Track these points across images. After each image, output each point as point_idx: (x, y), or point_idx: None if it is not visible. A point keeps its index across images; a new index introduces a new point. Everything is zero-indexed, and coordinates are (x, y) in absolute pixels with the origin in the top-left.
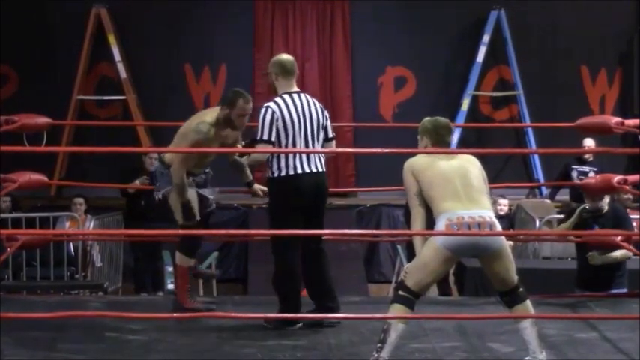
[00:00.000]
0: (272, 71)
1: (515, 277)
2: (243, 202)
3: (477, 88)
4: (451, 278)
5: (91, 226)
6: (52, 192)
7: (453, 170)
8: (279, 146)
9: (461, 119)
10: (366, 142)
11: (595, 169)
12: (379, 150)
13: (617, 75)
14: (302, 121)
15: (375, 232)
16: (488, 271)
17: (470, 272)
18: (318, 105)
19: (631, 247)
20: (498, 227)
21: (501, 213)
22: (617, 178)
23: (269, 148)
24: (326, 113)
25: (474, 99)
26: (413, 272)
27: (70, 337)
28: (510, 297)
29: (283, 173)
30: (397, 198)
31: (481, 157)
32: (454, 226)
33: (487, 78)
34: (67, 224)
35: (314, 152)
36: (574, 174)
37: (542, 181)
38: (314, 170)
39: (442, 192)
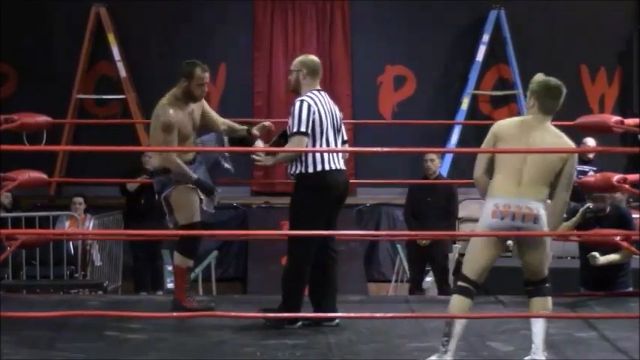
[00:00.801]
0: (300, 70)
1: (546, 271)
2: (243, 201)
3: (477, 87)
4: (450, 278)
5: (91, 225)
6: (51, 191)
7: (531, 159)
8: (314, 140)
9: (460, 118)
10: (366, 141)
11: (595, 169)
12: (379, 149)
13: (616, 74)
14: (330, 118)
15: (374, 232)
16: (522, 258)
17: None
18: (336, 106)
19: (632, 247)
20: (543, 220)
21: None
22: (616, 177)
23: (305, 140)
24: (342, 115)
25: (474, 98)
26: (467, 260)
27: (69, 336)
28: (535, 288)
29: (319, 168)
30: (397, 197)
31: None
32: (499, 214)
33: (487, 77)
34: (67, 223)
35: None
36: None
37: None
38: (341, 167)
39: (505, 170)
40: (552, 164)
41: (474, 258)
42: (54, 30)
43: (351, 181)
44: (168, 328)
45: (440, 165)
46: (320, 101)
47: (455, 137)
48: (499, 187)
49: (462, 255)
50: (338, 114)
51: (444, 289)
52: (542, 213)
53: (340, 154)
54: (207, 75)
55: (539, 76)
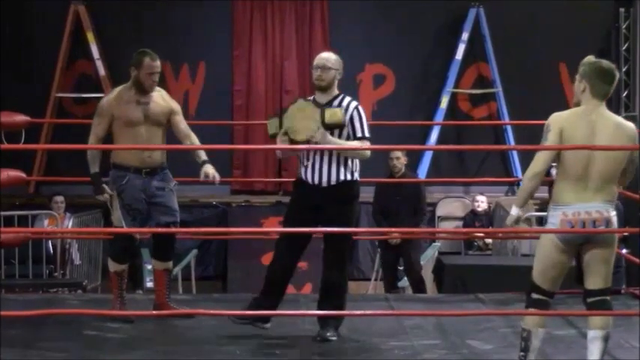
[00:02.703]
0: (338, 69)
1: (610, 279)
2: (222, 199)
3: (456, 85)
4: (430, 276)
5: (70, 224)
6: (30, 190)
7: (597, 151)
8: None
9: (440, 117)
10: None
11: None
12: (358, 146)
13: None
14: None
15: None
16: (588, 262)
17: (448, 270)
18: None
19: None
20: (615, 222)
21: (480, 210)
22: None
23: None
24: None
25: (453, 96)
26: (539, 270)
27: (48, 336)
28: (597, 299)
29: (356, 176)
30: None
31: (460, 155)
32: (569, 224)
33: (466, 75)
34: (46, 222)
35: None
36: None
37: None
38: None
39: (570, 173)
40: (619, 159)
41: (546, 267)
42: (32, 28)
43: None
44: (147, 327)
45: (405, 162)
46: None
47: (434, 135)
48: (566, 193)
49: (441, 253)
50: None
51: (418, 287)
52: (614, 215)
53: None
54: (156, 64)
55: (591, 58)
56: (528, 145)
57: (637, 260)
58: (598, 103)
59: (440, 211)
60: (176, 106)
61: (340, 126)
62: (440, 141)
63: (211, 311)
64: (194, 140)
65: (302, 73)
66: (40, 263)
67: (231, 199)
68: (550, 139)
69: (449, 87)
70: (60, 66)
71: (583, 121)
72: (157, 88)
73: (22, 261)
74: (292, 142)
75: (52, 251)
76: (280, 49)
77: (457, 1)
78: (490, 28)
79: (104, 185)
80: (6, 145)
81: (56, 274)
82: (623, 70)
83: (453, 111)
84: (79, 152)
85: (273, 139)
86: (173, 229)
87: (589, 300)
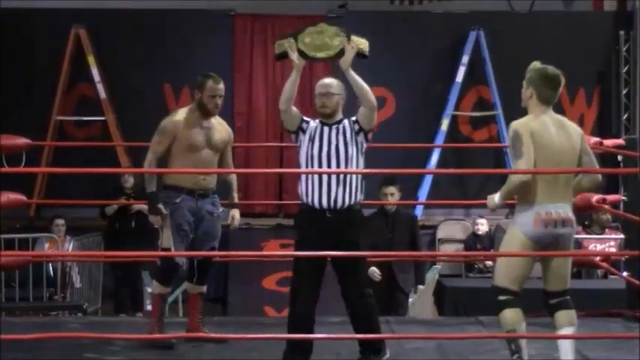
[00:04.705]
0: (340, 94)
1: (569, 281)
2: (223, 222)
3: (457, 108)
4: (430, 298)
5: (71, 247)
6: (31, 213)
7: (562, 149)
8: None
9: (440, 139)
10: None
11: None
12: (355, 170)
13: (595, 95)
14: None
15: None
16: (550, 264)
17: (449, 292)
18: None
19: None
20: (574, 222)
21: (480, 232)
22: (596, 197)
23: None
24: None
25: (454, 119)
26: (502, 272)
27: (48, 359)
28: (559, 300)
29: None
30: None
31: (460, 178)
32: (542, 223)
33: (466, 98)
34: (46, 245)
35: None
36: None
37: None
38: None
39: (542, 175)
40: (575, 158)
41: (513, 267)
42: (33, 51)
43: None
44: (147, 350)
45: (399, 199)
46: None
47: (435, 158)
48: (537, 193)
49: (442, 276)
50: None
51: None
52: (574, 216)
53: None
54: (220, 87)
55: (536, 64)
56: (529, 169)
57: (637, 282)
58: (545, 109)
59: (440, 234)
60: (232, 135)
61: (364, 56)
62: (440, 163)
63: (212, 335)
64: (233, 177)
65: (302, 97)
66: (40, 286)
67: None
68: (526, 143)
69: (449, 110)
70: (61, 89)
71: (542, 123)
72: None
73: (22, 284)
74: (308, 61)
75: (52, 274)
76: (281, 72)
77: (457, 24)
78: (490, 51)
79: (160, 205)
80: (6, 169)
81: (57, 297)
82: (624, 92)
83: (453, 134)
84: (79, 175)
85: (279, 60)
86: (170, 253)
87: (552, 301)
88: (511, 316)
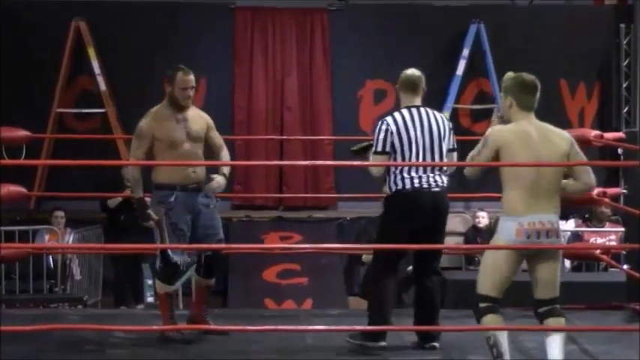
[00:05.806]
0: (398, 86)
1: (558, 289)
2: (224, 215)
3: (457, 101)
4: None
5: (71, 239)
6: (31, 205)
7: (543, 156)
8: (402, 160)
9: None
10: (346, 155)
11: None
12: (358, 163)
13: (595, 89)
14: (419, 134)
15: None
16: (537, 273)
17: (449, 285)
18: (439, 117)
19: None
20: (559, 232)
21: (481, 225)
22: (596, 191)
23: (381, 159)
24: (448, 125)
25: (454, 112)
26: (483, 279)
27: (49, 351)
28: (549, 308)
29: (399, 187)
30: (377, 211)
31: (460, 170)
32: (524, 232)
33: (467, 91)
34: (47, 237)
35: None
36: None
37: None
38: (433, 187)
39: (520, 184)
40: (560, 165)
41: (496, 276)
42: (33, 44)
43: (331, 195)
44: (148, 343)
45: None
46: (405, 119)
47: None
48: (519, 203)
49: (442, 268)
50: (439, 127)
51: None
52: (559, 226)
53: (436, 172)
54: (190, 78)
55: (510, 74)
56: (529, 162)
57: (638, 275)
58: (526, 115)
59: None
60: (210, 120)
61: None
62: None
63: (211, 326)
64: (225, 153)
65: (303, 90)
66: (40, 278)
67: (232, 215)
68: (484, 154)
69: (450, 102)
70: (61, 82)
71: (521, 133)
72: None
73: (22, 276)
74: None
75: (52, 266)
76: (281, 66)
77: (458, 17)
78: (491, 44)
79: (149, 211)
80: (7, 161)
81: (57, 289)
82: (624, 85)
83: (454, 126)
84: (79, 167)
85: (356, 155)
86: (171, 245)
87: (541, 310)
88: (492, 322)
